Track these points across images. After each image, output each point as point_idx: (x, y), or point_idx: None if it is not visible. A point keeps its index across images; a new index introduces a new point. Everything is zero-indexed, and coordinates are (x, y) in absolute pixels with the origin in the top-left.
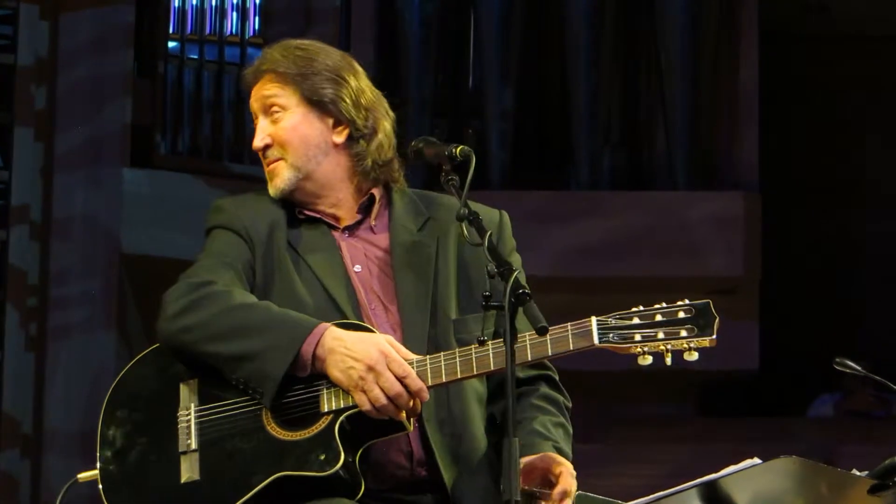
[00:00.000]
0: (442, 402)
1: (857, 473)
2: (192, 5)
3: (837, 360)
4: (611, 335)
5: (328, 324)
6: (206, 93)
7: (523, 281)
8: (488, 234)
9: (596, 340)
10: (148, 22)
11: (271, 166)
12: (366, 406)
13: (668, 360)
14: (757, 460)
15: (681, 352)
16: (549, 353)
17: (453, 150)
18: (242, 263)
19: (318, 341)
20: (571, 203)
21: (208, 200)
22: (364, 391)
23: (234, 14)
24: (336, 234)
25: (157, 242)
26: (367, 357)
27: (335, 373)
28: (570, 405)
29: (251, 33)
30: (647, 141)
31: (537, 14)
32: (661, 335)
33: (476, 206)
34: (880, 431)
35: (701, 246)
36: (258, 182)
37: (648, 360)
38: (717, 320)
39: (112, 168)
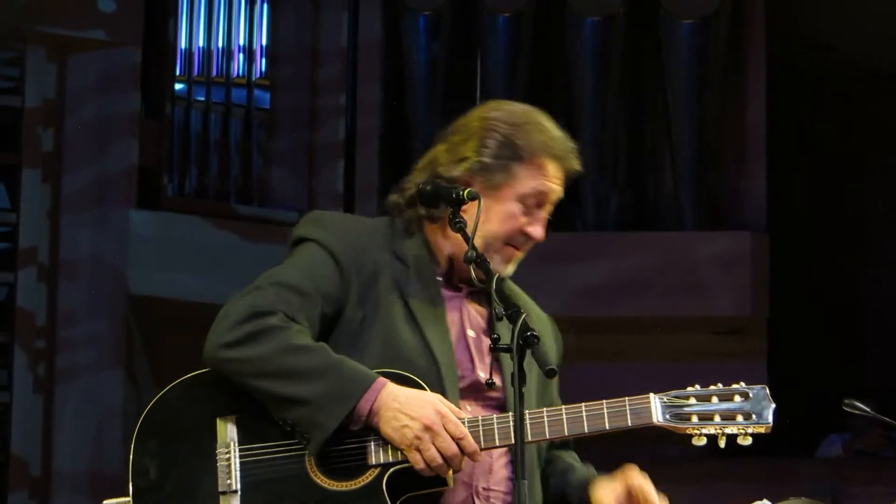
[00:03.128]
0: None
1: None
2: (198, 47)
3: (846, 401)
4: (668, 414)
5: (385, 379)
6: (214, 134)
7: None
8: (495, 276)
9: (655, 419)
10: (155, 64)
11: (517, 254)
12: (420, 465)
13: (723, 444)
14: (766, 502)
15: (734, 435)
16: (607, 428)
17: (461, 192)
18: (323, 294)
19: (376, 397)
20: (578, 244)
21: (215, 242)
22: (419, 450)
23: (241, 56)
24: (448, 291)
25: (164, 284)
26: (424, 416)
27: (388, 430)
28: None
29: (258, 75)
30: (654, 181)
31: (543, 54)
32: (717, 419)
33: (529, 305)
34: (889, 472)
35: (709, 286)
36: (265, 223)
37: (703, 441)
38: (773, 406)
39: (119, 210)
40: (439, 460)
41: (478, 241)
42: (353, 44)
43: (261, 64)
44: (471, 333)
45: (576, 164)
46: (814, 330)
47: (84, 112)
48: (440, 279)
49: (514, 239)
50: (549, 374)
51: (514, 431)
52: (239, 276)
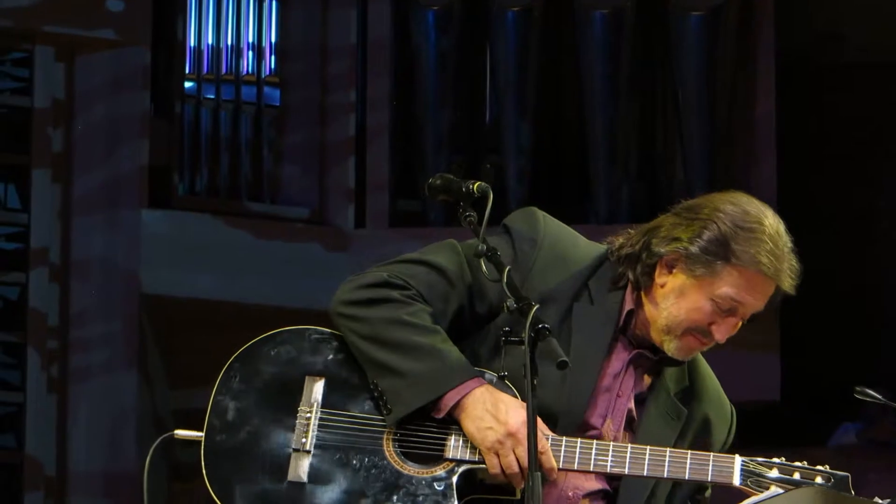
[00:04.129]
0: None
1: (880, 502)
2: (207, 45)
3: (858, 389)
4: (749, 481)
5: (483, 380)
6: (224, 132)
7: None
8: (507, 269)
9: (736, 482)
10: (164, 62)
11: (697, 347)
12: (495, 469)
13: None
14: (779, 490)
15: None
16: (686, 477)
17: (471, 187)
18: (473, 290)
19: (468, 392)
20: (591, 236)
21: (227, 240)
22: (498, 455)
23: (250, 53)
24: (620, 346)
25: (176, 282)
26: (509, 423)
27: (471, 428)
28: None
29: (267, 72)
30: (665, 173)
31: (552, 48)
32: None
33: (712, 387)
34: None
35: None
36: (276, 221)
37: None
38: (853, 496)
39: (130, 209)
40: (516, 468)
41: (661, 323)
42: (362, 40)
43: (270, 61)
44: (618, 394)
45: (787, 286)
46: (826, 319)
47: (93, 112)
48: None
49: (696, 331)
50: (561, 365)
51: (594, 457)
52: (251, 273)
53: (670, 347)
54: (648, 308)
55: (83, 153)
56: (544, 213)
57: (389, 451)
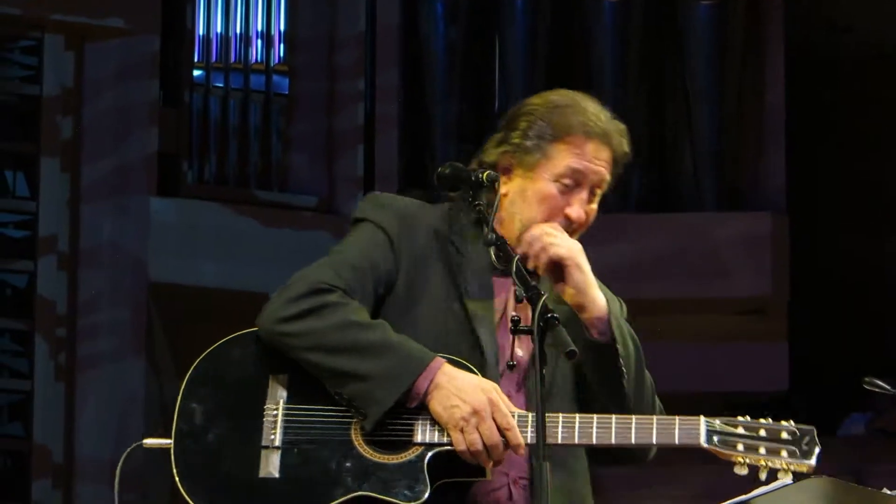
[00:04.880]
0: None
1: (889, 492)
2: (216, 34)
3: (867, 379)
4: (715, 439)
5: (443, 360)
6: (232, 121)
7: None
8: (515, 258)
9: (702, 441)
10: (173, 51)
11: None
12: (461, 447)
13: (763, 476)
14: (788, 480)
15: (776, 469)
16: (654, 442)
17: (479, 176)
18: (377, 272)
19: (434, 376)
20: (599, 226)
21: (236, 228)
22: (463, 432)
23: (259, 42)
24: (496, 277)
25: (184, 271)
26: (474, 401)
27: (438, 408)
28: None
29: (276, 61)
30: (674, 163)
31: (561, 37)
32: (762, 450)
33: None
34: None
35: (729, 267)
36: (285, 209)
37: (745, 470)
38: (818, 448)
39: (139, 197)
40: (479, 446)
41: (517, 226)
42: (371, 29)
43: (279, 50)
44: (514, 315)
45: (623, 146)
46: (834, 310)
47: (103, 100)
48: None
49: (552, 221)
50: (570, 355)
51: (561, 430)
52: (260, 262)
53: None
54: (504, 225)
55: (92, 141)
56: (383, 193)
57: (358, 441)
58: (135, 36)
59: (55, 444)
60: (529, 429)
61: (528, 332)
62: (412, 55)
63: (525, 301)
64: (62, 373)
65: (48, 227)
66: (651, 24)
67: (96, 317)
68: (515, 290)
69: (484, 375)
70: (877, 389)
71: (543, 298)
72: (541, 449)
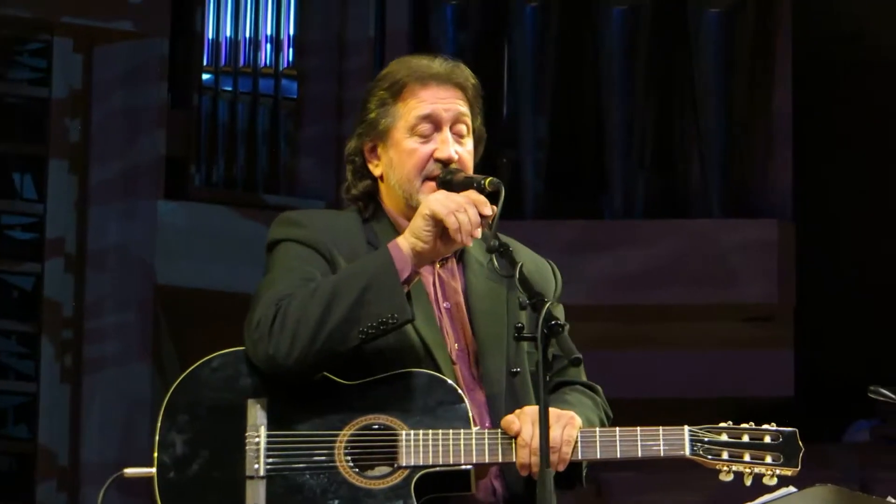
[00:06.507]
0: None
1: (894, 500)
2: (226, 37)
3: (871, 388)
4: (700, 448)
5: (389, 244)
6: (241, 124)
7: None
8: (519, 265)
9: (687, 452)
10: (182, 54)
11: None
12: (454, 226)
13: (749, 482)
14: (793, 488)
15: (761, 475)
16: (639, 455)
17: (483, 182)
18: (321, 275)
19: (396, 248)
20: (606, 232)
21: (243, 232)
22: (455, 214)
23: (268, 46)
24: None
25: (191, 274)
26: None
27: (433, 211)
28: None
29: (285, 65)
30: (681, 169)
31: (571, 43)
32: (746, 457)
33: (525, 254)
34: None
35: (736, 273)
36: None
37: (730, 477)
38: (802, 451)
39: (147, 200)
40: (470, 222)
41: (398, 192)
42: (380, 34)
43: (288, 54)
44: (445, 305)
45: (465, 77)
46: (840, 317)
47: (111, 103)
48: None
49: (428, 171)
50: (575, 362)
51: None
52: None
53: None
54: (391, 198)
55: (100, 144)
56: (292, 212)
57: (342, 464)
58: (144, 39)
59: (60, 446)
60: (500, 443)
61: (532, 338)
62: None
63: (528, 308)
64: (68, 375)
65: (55, 230)
66: (660, 31)
67: (103, 319)
68: (519, 297)
69: (434, 363)
70: (881, 398)
71: (547, 305)
72: (544, 455)
